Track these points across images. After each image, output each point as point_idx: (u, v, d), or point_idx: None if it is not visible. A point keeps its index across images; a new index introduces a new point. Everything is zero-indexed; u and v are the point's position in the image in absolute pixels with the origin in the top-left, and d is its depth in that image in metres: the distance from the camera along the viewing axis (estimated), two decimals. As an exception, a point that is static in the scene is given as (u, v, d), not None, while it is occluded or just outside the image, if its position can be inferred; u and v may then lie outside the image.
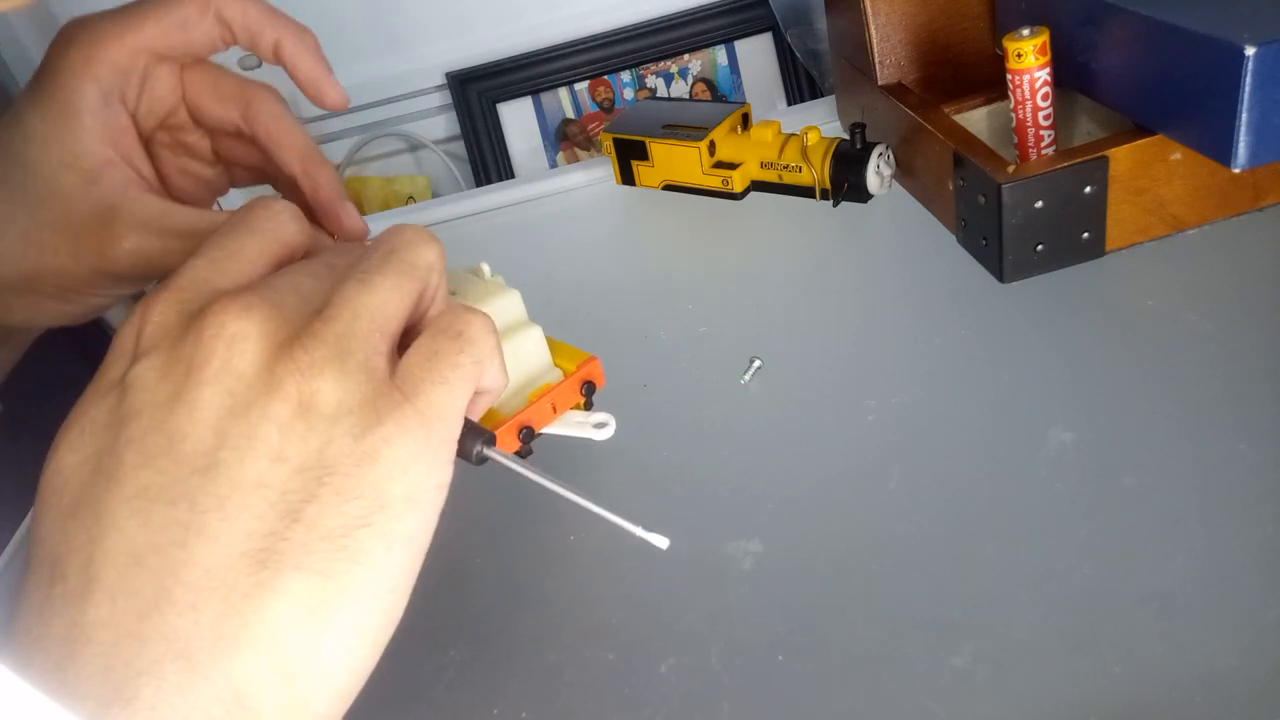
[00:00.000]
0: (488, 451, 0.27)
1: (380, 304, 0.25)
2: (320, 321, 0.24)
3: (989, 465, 0.36)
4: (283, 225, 0.27)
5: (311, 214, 0.38)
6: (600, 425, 0.38)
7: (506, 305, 0.38)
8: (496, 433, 0.35)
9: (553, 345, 0.39)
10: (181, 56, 0.37)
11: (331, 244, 0.30)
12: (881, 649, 0.30)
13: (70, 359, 0.68)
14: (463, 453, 0.26)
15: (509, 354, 0.31)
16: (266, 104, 0.37)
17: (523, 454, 0.37)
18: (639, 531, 0.27)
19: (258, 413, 0.22)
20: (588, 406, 0.39)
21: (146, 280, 0.36)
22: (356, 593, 0.22)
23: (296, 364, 0.23)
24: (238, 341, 0.23)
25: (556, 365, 0.39)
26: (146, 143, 0.37)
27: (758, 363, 0.43)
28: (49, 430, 0.24)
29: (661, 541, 0.27)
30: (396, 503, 0.23)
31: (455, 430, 0.25)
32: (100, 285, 0.36)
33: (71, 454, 0.23)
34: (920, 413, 0.39)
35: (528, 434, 0.36)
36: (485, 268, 0.39)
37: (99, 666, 0.20)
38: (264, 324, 0.23)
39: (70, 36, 0.35)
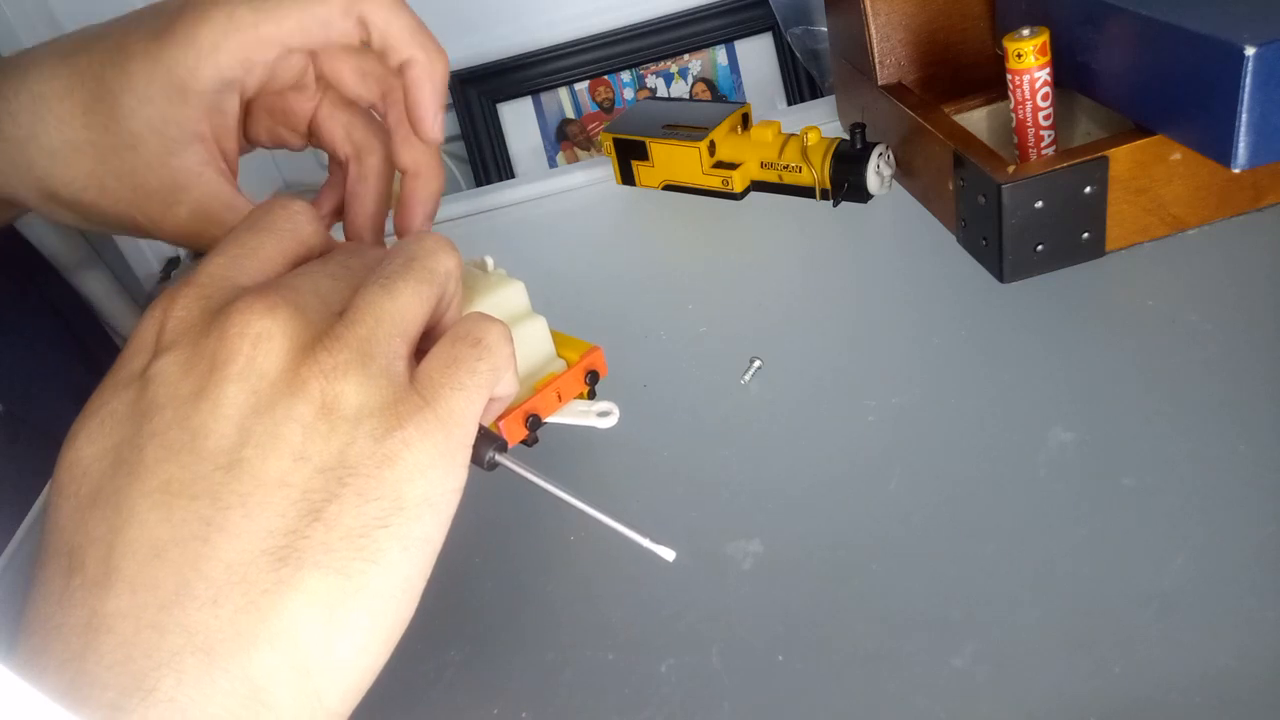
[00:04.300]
0: (500, 458, 0.27)
1: (401, 309, 0.25)
2: (344, 325, 0.24)
3: (989, 465, 0.36)
4: (300, 226, 0.28)
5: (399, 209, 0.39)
6: (604, 414, 0.38)
7: (510, 296, 0.38)
8: (504, 420, 0.35)
9: (556, 336, 0.40)
10: (316, 49, 0.36)
11: (344, 245, 0.30)
12: (881, 649, 0.30)
13: (70, 359, 0.68)
14: (475, 458, 0.26)
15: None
16: (411, 90, 0.37)
17: (529, 442, 0.37)
18: (646, 543, 0.27)
19: (281, 412, 0.22)
20: (591, 396, 0.40)
21: (179, 245, 0.37)
22: (373, 592, 0.22)
23: (320, 366, 0.23)
24: (263, 341, 0.23)
25: (560, 356, 0.39)
26: (248, 104, 0.37)
27: (758, 363, 0.43)
28: (49, 430, 0.24)
29: (668, 554, 0.27)
30: (414, 505, 0.23)
31: (471, 435, 0.25)
32: (136, 233, 0.36)
33: (90, 445, 0.23)
34: (920, 413, 0.39)
35: (534, 422, 0.37)
36: (489, 260, 0.39)
37: (119, 657, 0.20)
38: (288, 324, 0.23)
39: (205, 13, 0.33)
